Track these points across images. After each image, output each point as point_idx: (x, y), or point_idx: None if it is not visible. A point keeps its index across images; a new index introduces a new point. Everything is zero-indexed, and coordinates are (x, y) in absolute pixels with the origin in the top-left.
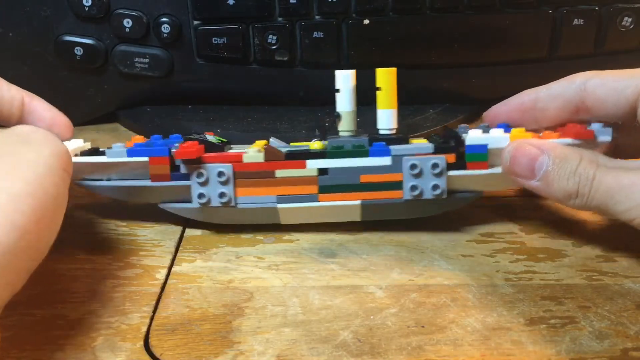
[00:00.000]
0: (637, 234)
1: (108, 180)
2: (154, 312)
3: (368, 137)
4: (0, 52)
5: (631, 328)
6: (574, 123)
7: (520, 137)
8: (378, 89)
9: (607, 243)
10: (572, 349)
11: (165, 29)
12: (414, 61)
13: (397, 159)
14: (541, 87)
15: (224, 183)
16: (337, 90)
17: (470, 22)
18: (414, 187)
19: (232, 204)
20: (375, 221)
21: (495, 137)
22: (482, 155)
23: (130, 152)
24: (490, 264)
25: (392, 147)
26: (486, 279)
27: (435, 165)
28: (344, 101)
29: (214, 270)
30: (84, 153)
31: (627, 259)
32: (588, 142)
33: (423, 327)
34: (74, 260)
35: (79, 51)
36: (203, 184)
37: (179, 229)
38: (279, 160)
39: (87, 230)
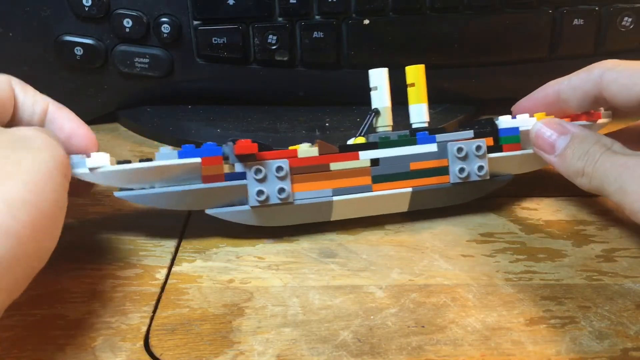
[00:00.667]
0: (637, 234)
1: (151, 188)
2: (154, 312)
3: (409, 130)
4: (0, 52)
5: (631, 328)
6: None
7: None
8: (411, 85)
9: (607, 243)
10: (572, 349)
11: (165, 29)
12: (413, 61)
13: (442, 145)
14: (562, 78)
15: (282, 178)
16: (373, 89)
17: (470, 22)
18: (461, 169)
19: (290, 199)
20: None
21: (524, 120)
22: (515, 137)
23: (182, 154)
24: (490, 264)
25: (436, 135)
26: (486, 279)
27: (478, 148)
28: (381, 98)
29: (214, 270)
30: (119, 163)
31: (627, 259)
32: (595, 123)
33: (423, 327)
34: (74, 260)
35: (79, 51)
36: (261, 181)
37: (179, 229)
38: (333, 153)
39: (86, 230)
